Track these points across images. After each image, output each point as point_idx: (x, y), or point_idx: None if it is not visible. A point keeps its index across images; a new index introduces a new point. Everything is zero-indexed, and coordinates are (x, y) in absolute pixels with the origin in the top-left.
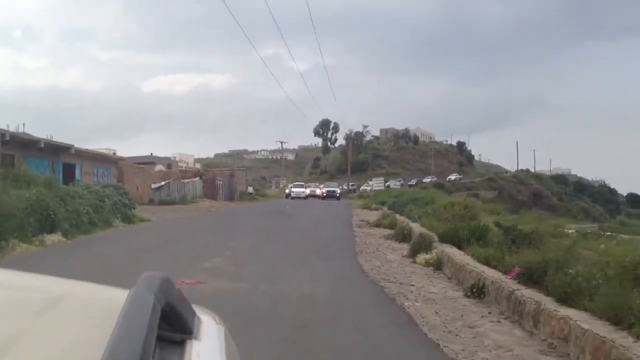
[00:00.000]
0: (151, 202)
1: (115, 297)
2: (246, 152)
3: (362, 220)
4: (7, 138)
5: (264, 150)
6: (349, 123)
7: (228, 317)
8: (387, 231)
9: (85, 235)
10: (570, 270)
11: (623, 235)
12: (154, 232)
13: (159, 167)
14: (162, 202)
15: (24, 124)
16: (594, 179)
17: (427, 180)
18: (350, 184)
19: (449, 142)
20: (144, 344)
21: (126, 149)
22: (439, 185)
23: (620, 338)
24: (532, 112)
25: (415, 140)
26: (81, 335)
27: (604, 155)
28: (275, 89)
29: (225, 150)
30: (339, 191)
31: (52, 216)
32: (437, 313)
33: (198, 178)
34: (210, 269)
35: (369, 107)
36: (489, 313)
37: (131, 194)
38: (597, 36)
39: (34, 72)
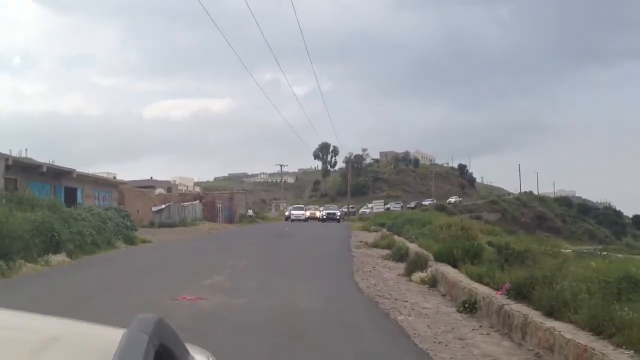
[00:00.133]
0: (152, 224)
1: (110, 338)
2: (246, 175)
3: (361, 241)
4: (10, 163)
5: (263, 173)
6: (348, 146)
7: (227, 330)
8: (385, 251)
9: (88, 255)
10: (557, 286)
11: (619, 255)
12: (155, 253)
13: (159, 191)
14: (163, 225)
15: (26, 149)
16: (599, 201)
17: (426, 202)
18: (350, 206)
19: (450, 164)
20: None
21: (126, 173)
22: (440, 208)
23: (601, 346)
24: (535, 135)
25: (416, 162)
26: None
27: (609, 177)
28: (274, 112)
29: (225, 174)
30: (339, 213)
31: (57, 237)
32: (429, 326)
33: (198, 201)
34: (210, 286)
35: (369, 131)
36: (480, 326)
37: (132, 217)
38: (597, 60)
39: (33, 98)
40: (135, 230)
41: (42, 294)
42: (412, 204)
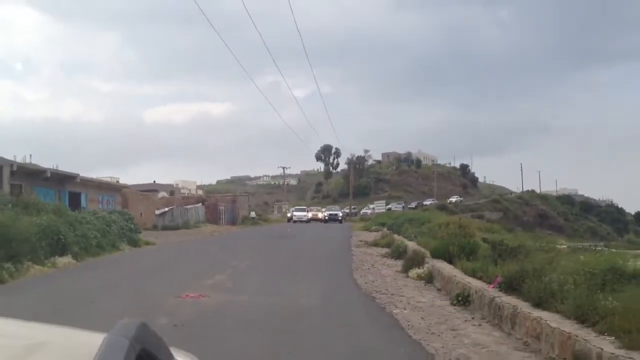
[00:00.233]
0: (155, 227)
1: (94, 343)
2: (248, 178)
3: (361, 241)
4: (15, 169)
5: (266, 176)
6: (350, 148)
7: (229, 325)
8: (385, 250)
9: (93, 257)
10: (545, 278)
11: (613, 250)
12: (159, 254)
13: (162, 194)
14: (166, 228)
15: (30, 155)
16: (601, 199)
17: (427, 202)
18: (352, 207)
19: (452, 164)
20: None
21: (129, 177)
22: (442, 208)
23: (584, 334)
24: (536, 135)
25: (418, 163)
26: None
27: (611, 175)
28: (276, 115)
29: (228, 177)
30: (340, 214)
31: (63, 240)
32: (423, 319)
33: (200, 204)
34: (212, 285)
35: (371, 132)
36: (472, 318)
37: (135, 220)
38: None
39: (35, 104)
40: (139, 232)
41: (49, 294)
42: (413, 204)
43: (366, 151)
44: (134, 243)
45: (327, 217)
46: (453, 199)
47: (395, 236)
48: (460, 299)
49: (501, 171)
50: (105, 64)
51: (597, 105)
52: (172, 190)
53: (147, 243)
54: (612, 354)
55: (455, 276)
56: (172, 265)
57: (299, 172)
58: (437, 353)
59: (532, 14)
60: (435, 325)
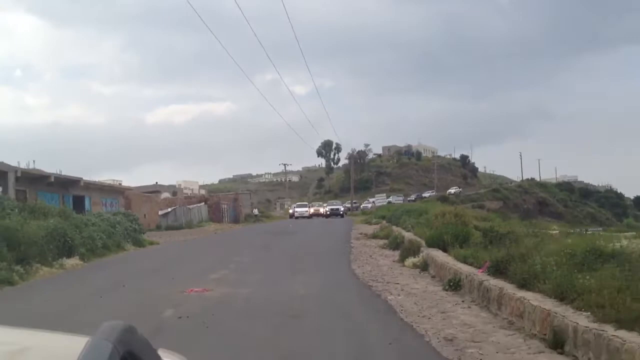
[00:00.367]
0: (159, 228)
1: (77, 347)
2: (250, 176)
3: (361, 233)
4: (19, 174)
5: (268, 173)
6: (351, 142)
7: (233, 315)
8: (383, 242)
9: (100, 258)
10: (529, 260)
11: (602, 232)
12: (163, 253)
13: (164, 195)
14: (170, 228)
15: (34, 161)
16: (601, 185)
17: (426, 194)
18: (354, 201)
19: (452, 156)
20: None
21: (131, 180)
22: (443, 199)
23: (562, 310)
24: (536, 123)
25: (418, 155)
26: None
27: (610, 160)
28: (275, 113)
29: (230, 176)
30: (342, 209)
31: (70, 242)
32: (415, 303)
33: (203, 203)
34: (216, 279)
35: (371, 126)
36: (462, 301)
37: (139, 221)
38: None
39: (37, 109)
40: (143, 233)
41: (60, 293)
42: (413, 197)
43: (366, 145)
44: (139, 243)
45: (328, 212)
46: (452, 190)
47: (394, 228)
48: (452, 284)
49: (501, 161)
50: (105, 68)
51: (596, 91)
52: (174, 190)
53: (152, 243)
54: (586, 327)
55: (447, 263)
56: (177, 263)
57: (300, 169)
58: (427, 333)
59: (531, 0)
60: (426, 309)
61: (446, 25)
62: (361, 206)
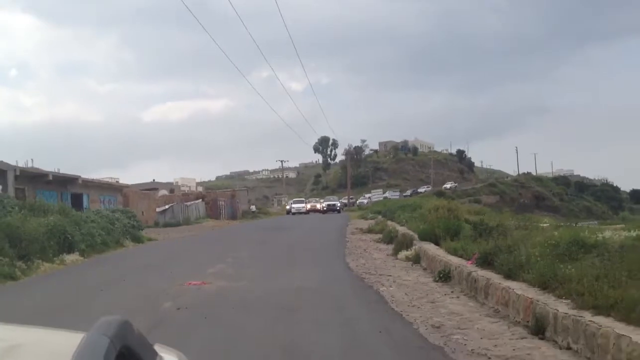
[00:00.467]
0: (156, 224)
1: (73, 342)
2: (247, 173)
3: (357, 228)
4: (18, 173)
5: (265, 170)
6: (348, 138)
7: (230, 306)
8: (378, 236)
9: (99, 254)
10: (515, 252)
11: (591, 226)
12: (162, 249)
13: (162, 192)
14: (167, 225)
15: (32, 159)
16: (597, 178)
17: (422, 190)
18: (350, 197)
19: (448, 151)
20: None
21: (128, 177)
22: (440, 194)
23: (545, 298)
24: (532, 117)
25: (415, 151)
26: None
27: (606, 154)
28: (272, 109)
29: (227, 172)
30: (339, 204)
31: (70, 239)
32: (406, 294)
33: (200, 200)
34: (214, 273)
35: (368, 122)
36: (452, 292)
37: (137, 218)
38: (593, 39)
39: (33, 107)
40: (142, 229)
41: (63, 287)
42: (409, 192)
43: (363, 141)
44: (137, 239)
45: (325, 208)
46: (448, 185)
47: (389, 222)
48: (442, 275)
49: (498, 155)
50: (102, 66)
51: (592, 84)
52: (172, 188)
53: (150, 239)
54: (565, 313)
55: (438, 255)
56: (175, 258)
57: (297, 165)
58: (415, 322)
59: None
60: (416, 299)
61: (443, 20)
62: (357, 202)
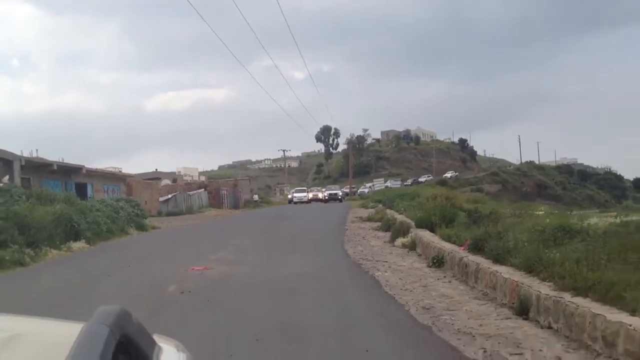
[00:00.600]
0: (159, 214)
1: (73, 332)
2: (250, 162)
3: (357, 217)
4: (23, 163)
5: (267, 159)
6: (350, 127)
7: (232, 290)
8: (377, 224)
9: (105, 241)
10: (504, 238)
11: (589, 212)
12: (165, 237)
13: (165, 182)
14: (170, 214)
15: (37, 150)
16: (601, 167)
17: (422, 179)
18: (352, 186)
19: (451, 140)
20: None
21: (131, 167)
22: (442, 183)
23: (529, 281)
24: (536, 105)
25: (417, 140)
26: None
27: (610, 142)
28: (276, 98)
29: (229, 162)
30: (340, 194)
31: (76, 227)
32: (400, 279)
33: (203, 189)
34: (216, 259)
35: (370, 111)
36: (444, 276)
37: (141, 207)
38: (596, 27)
39: (35, 97)
40: (145, 218)
41: (70, 273)
42: (409, 181)
43: (365, 130)
44: (142, 228)
45: (327, 197)
46: (448, 175)
47: (388, 211)
48: (435, 261)
49: (501, 144)
50: (103, 56)
51: (595, 73)
52: (174, 177)
53: (154, 227)
54: (547, 294)
55: (432, 242)
56: (178, 245)
57: (299, 154)
58: (407, 304)
59: None
60: (410, 284)
61: (444, 8)
62: (358, 191)
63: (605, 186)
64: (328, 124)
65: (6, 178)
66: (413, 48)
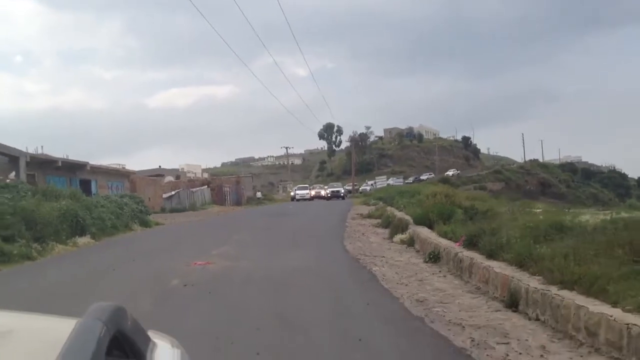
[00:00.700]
0: (163, 210)
1: (66, 328)
2: (253, 159)
3: (357, 214)
4: (28, 159)
5: (270, 156)
6: (352, 125)
7: (233, 283)
8: (377, 221)
9: (109, 237)
10: (497, 234)
11: (583, 210)
12: (169, 232)
13: (168, 179)
14: (173, 210)
15: (42, 146)
16: (605, 165)
17: (424, 177)
18: (355, 184)
19: (454, 137)
20: None
21: (134, 163)
22: (444, 181)
23: (520, 275)
24: (539, 103)
25: (420, 137)
26: None
27: (614, 141)
28: (279, 95)
29: (232, 159)
30: (342, 191)
31: (81, 222)
32: (397, 273)
33: (206, 186)
34: (218, 254)
35: (372, 108)
36: (439, 271)
37: (145, 204)
38: (600, 25)
39: (38, 95)
40: (149, 214)
41: (76, 267)
42: (411, 179)
43: (368, 127)
44: (145, 224)
45: (329, 194)
46: (450, 173)
47: (388, 208)
48: (432, 256)
49: (505, 142)
50: (106, 53)
51: (599, 70)
52: (177, 174)
53: (157, 224)
54: (535, 288)
55: (429, 238)
56: (181, 241)
57: (302, 152)
58: (402, 297)
59: None
60: (405, 278)
61: (447, 6)
62: (360, 188)
63: (610, 184)
64: (331, 122)
65: (12, 174)
66: (415, 46)
